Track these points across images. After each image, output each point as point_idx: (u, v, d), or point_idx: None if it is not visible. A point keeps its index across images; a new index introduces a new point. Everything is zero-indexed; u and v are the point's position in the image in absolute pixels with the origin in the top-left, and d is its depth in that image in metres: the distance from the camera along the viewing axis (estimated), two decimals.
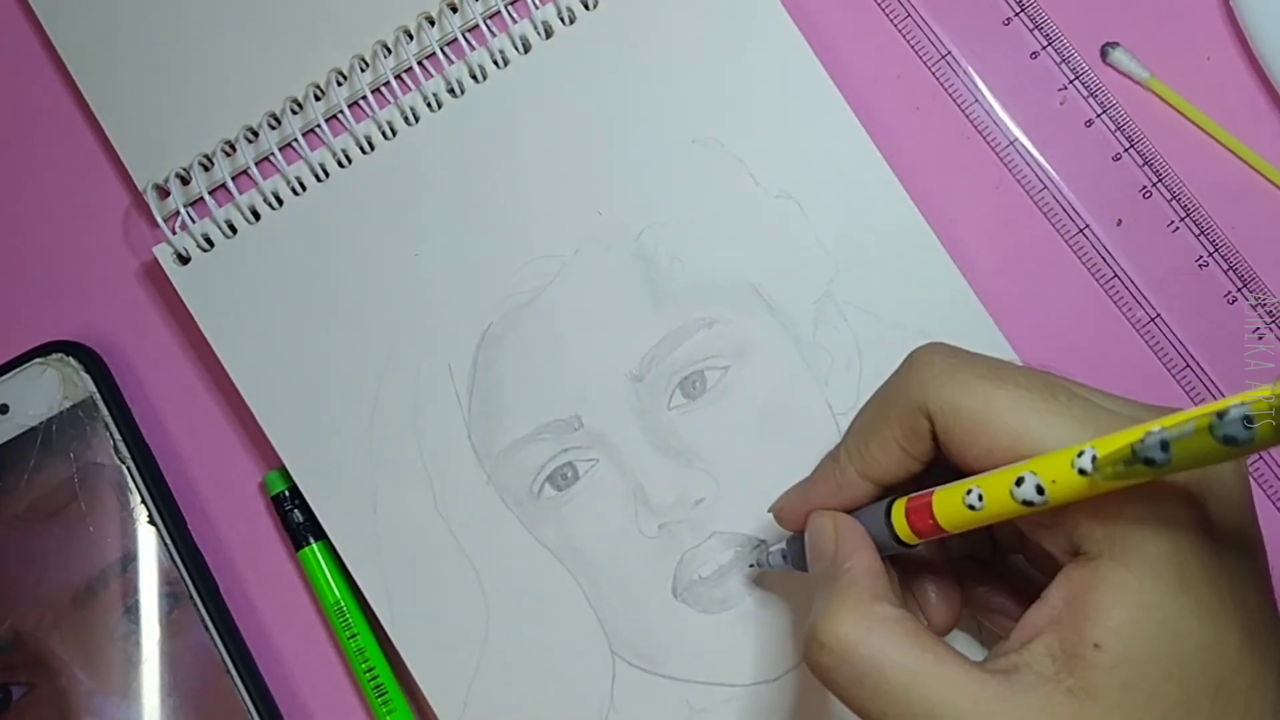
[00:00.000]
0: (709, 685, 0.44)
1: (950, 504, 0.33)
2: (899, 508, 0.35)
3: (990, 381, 0.32)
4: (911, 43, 0.46)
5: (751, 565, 0.44)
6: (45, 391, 0.45)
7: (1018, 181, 0.46)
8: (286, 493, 0.45)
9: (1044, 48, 0.46)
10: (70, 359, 0.45)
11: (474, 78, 0.45)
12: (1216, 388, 0.45)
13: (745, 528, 0.44)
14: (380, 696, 0.45)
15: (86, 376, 0.45)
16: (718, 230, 0.45)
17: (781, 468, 0.44)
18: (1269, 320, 0.45)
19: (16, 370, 0.45)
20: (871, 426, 0.36)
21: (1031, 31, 0.46)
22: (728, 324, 0.44)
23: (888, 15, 0.46)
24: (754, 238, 0.45)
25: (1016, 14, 0.46)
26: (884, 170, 0.44)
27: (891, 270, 0.44)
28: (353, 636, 0.45)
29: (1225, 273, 0.45)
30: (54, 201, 0.47)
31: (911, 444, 0.34)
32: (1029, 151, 0.46)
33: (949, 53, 0.46)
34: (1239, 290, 0.45)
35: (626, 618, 0.44)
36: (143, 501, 0.45)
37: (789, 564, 0.40)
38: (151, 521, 0.44)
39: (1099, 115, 0.46)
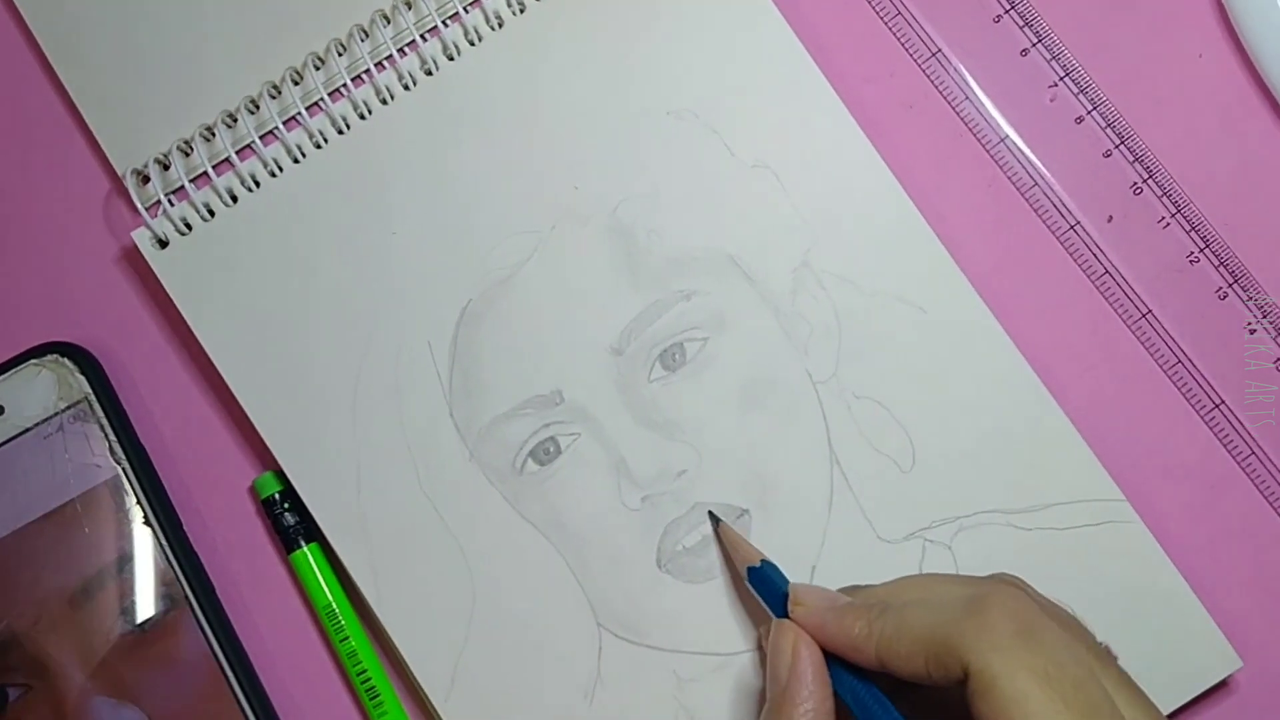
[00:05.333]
0: (695, 655, 0.45)
1: None
2: None
3: (1040, 682, 0.33)
4: (902, 40, 0.48)
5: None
6: (40, 393, 0.46)
7: (1009, 179, 0.48)
8: (276, 496, 0.46)
9: (1034, 45, 0.48)
10: (65, 360, 0.46)
11: (448, 55, 0.47)
12: (1208, 383, 0.47)
13: (728, 498, 0.45)
14: (373, 699, 0.46)
15: (82, 378, 0.46)
16: (694, 202, 0.46)
17: (762, 437, 0.45)
18: (1260, 315, 0.47)
19: (11, 372, 0.46)
20: (914, 632, 0.36)
21: (1021, 29, 0.48)
22: (706, 295, 0.46)
23: (878, 13, 0.48)
24: (731, 209, 0.46)
25: (1006, 11, 0.48)
26: (858, 136, 0.46)
27: (868, 237, 0.46)
28: (344, 639, 0.46)
29: (1216, 268, 0.47)
30: (40, 198, 0.49)
31: (937, 674, 0.35)
32: (1020, 149, 0.48)
33: (939, 50, 0.48)
34: (1230, 286, 0.47)
35: (612, 590, 0.45)
36: (138, 503, 0.46)
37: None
38: (147, 523, 0.46)
39: (1089, 112, 0.48)
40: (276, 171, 0.47)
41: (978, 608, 0.35)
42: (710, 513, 0.45)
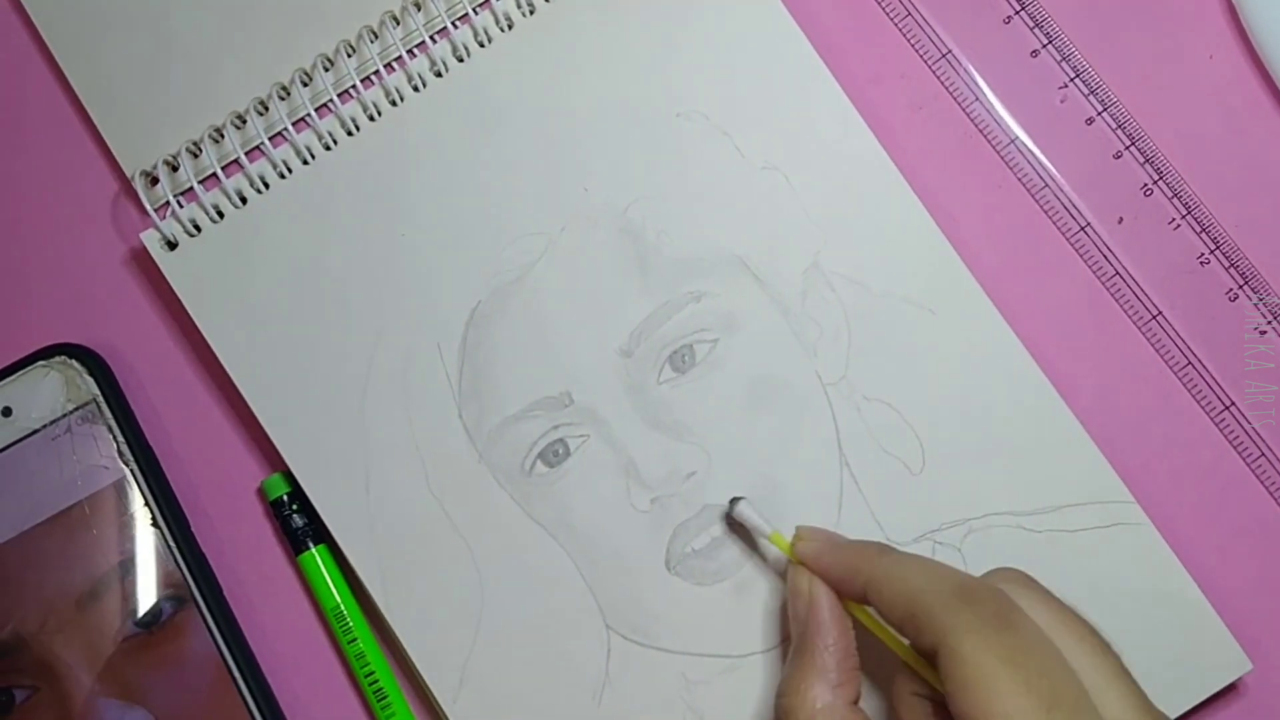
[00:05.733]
0: (704, 657, 0.45)
1: None
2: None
3: (1004, 664, 0.35)
4: (912, 42, 0.48)
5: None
6: (48, 394, 0.46)
7: (1019, 180, 0.48)
8: (285, 497, 0.47)
9: (1044, 46, 0.48)
10: (73, 362, 0.46)
11: (457, 57, 0.47)
12: (1219, 385, 0.47)
13: None
14: (381, 701, 0.46)
15: (90, 379, 0.46)
16: (704, 203, 0.46)
17: (771, 439, 0.46)
18: (1270, 317, 0.47)
19: (20, 373, 0.46)
20: (904, 585, 0.38)
21: (1032, 30, 0.48)
22: (716, 297, 0.46)
23: (888, 14, 0.48)
24: (740, 210, 0.46)
25: (1016, 12, 0.48)
26: (867, 137, 0.46)
27: (878, 239, 0.46)
28: (353, 640, 0.46)
29: (1226, 270, 0.47)
30: (48, 199, 0.49)
31: (910, 633, 0.37)
32: (1030, 150, 0.48)
33: (949, 51, 0.48)
34: (1240, 287, 0.47)
35: (620, 592, 0.45)
36: (146, 504, 0.46)
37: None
38: (154, 524, 0.46)
39: (1100, 113, 0.48)
40: (286, 173, 0.47)
41: (966, 594, 0.37)
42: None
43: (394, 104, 0.47)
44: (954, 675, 0.35)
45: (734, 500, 0.45)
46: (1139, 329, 0.47)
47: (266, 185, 0.47)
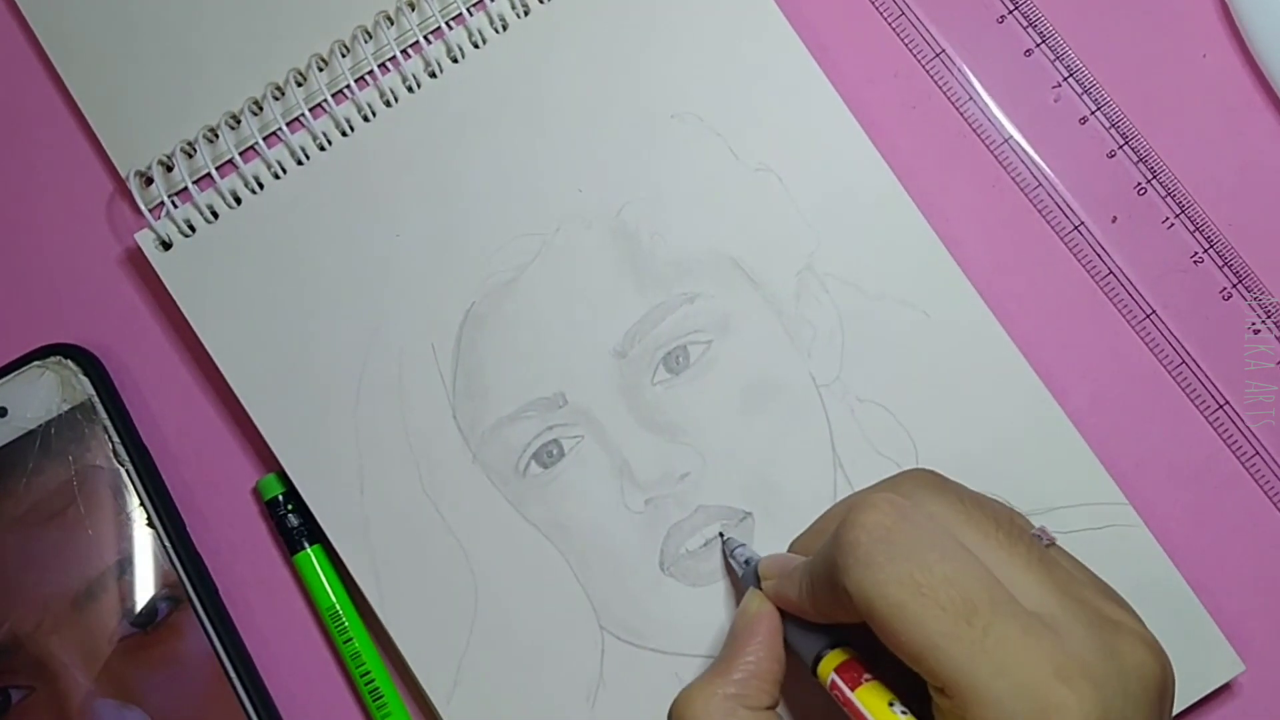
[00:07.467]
0: (698, 658, 0.45)
1: (876, 705, 0.36)
2: (831, 660, 0.38)
3: (910, 591, 0.34)
4: (906, 41, 0.48)
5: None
6: (43, 394, 0.46)
7: (1013, 180, 0.48)
8: (280, 498, 0.47)
9: (1038, 45, 0.48)
10: (68, 362, 0.46)
11: (452, 58, 0.47)
12: (1213, 384, 0.47)
13: (731, 501, 0.45)
14: (377, 700, 0.46)
15: (85, 379, 0.46)
16: (698, 205, 0.46)
17: (765, 440, 0.46)
18: (1265, 316, 0.47)
19: (15, 373, 0.47)
20: (819, 583, 0.37)
21: (1025, 29, 0.48)
22: (710, 298, 0.46)
23: (882, 14, 0.48)
24: (734, 211, 0.46)
25: (1010, 11, 0.48)
26: (861, 140, 0.46)
27: (871, 240, 0.46)
28: (348, 641, 0.46)
29: (1220, 269, 0.47)
30: (43, 200, 0.49)
31: (849, 611, 0.36)
32: (1024, 149, 0.48)
33: (943, 51, 0.48)
34: (1234, 286, 0.47)
35: (614, 593, 0.45)
36: (141, 504, 0.46)
37: (743, 576, 0.43)
38: (150, 524, 0.46)
39: (1093, 112, 0.48)
40: (280, 174, 0.47)
41: (840, 532, 0.36)
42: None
43: (388, 104, 0.47)
44: (870, 619, 0.34)
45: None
46: (1133, 328, 0.47)
47: (261, 186, 0.47)
